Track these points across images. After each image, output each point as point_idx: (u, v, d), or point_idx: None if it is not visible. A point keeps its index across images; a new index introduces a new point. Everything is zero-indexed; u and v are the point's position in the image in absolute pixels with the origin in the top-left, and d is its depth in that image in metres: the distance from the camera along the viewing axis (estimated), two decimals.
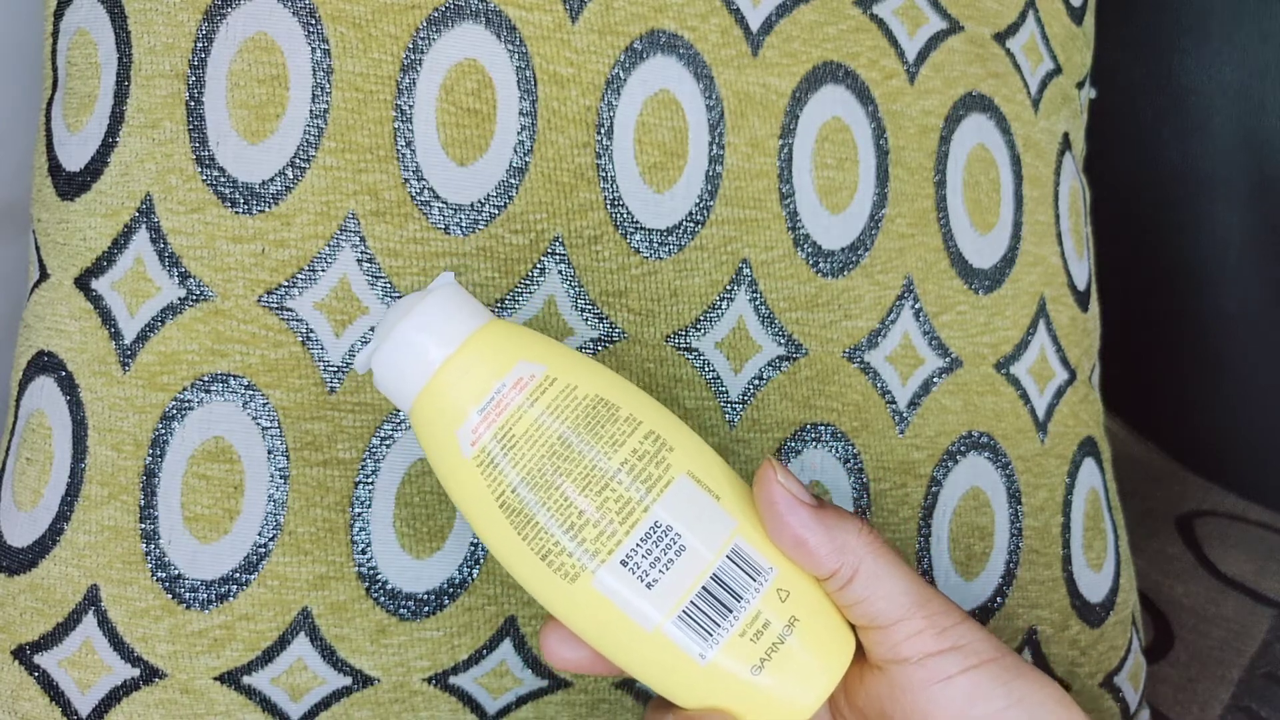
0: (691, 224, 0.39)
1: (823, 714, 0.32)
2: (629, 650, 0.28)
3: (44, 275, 0.37)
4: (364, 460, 0.36)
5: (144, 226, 0.36)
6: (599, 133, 0.38)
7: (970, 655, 0.28)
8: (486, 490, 0.28)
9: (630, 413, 0.28)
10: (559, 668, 0.31)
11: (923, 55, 0.43)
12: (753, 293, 0.40)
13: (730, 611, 0.27)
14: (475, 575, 0.37)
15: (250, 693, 0.35)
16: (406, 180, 0.36)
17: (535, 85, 0.38)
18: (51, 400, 0.36)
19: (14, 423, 0.38)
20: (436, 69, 0.37)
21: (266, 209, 0.36)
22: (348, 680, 0.36)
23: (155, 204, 0.36)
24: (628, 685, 0.39)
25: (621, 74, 0.38)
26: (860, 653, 0.30)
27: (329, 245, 0.36)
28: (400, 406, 0.29)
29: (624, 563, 0.27)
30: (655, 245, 0.39)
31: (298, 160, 0.36)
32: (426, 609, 0.37)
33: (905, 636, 0.28)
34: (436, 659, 0.37)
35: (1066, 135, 0.47)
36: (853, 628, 0.30)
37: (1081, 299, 0.46)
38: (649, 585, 0.27)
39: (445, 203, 0.37)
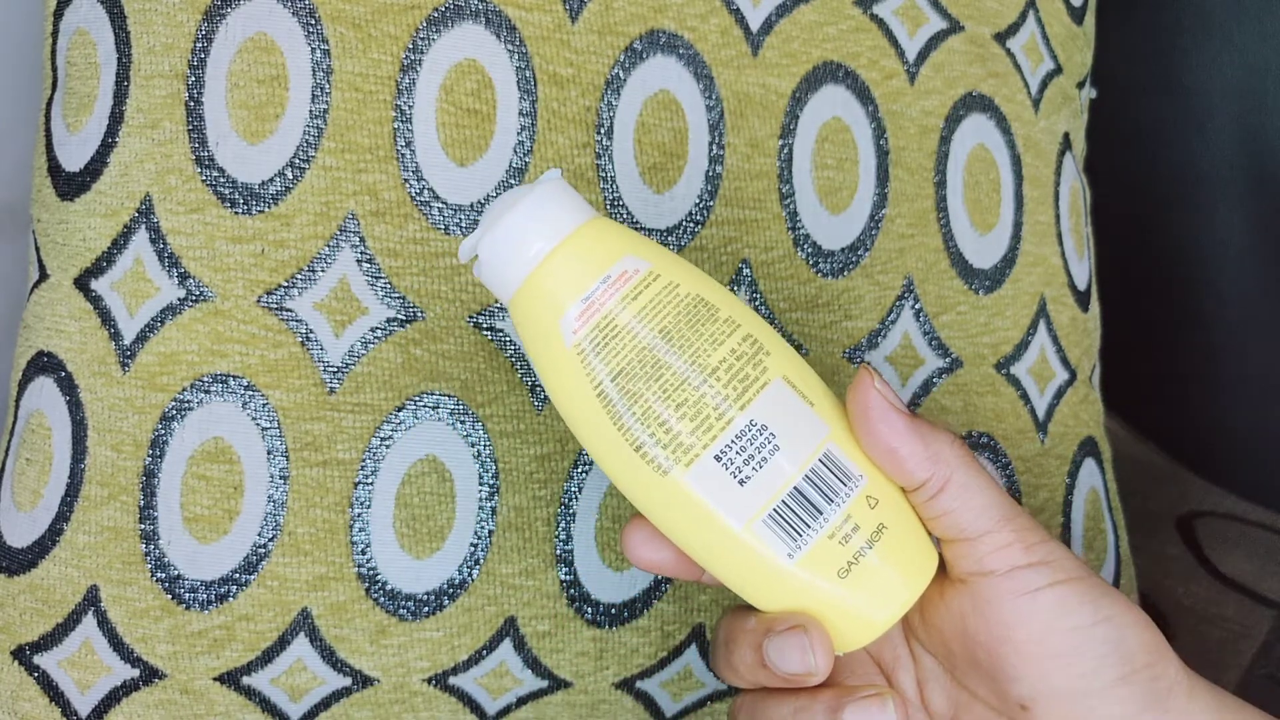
0: (691, 224, 0.39)
1: (895, 633, 0.32)
2: (716, 548, 0.28)
3: (43, 275, 0.37)
4: (364, 461, 0.36)
5: (143, 227, 0.36)
6: (599, 133, 0.38)
7: (1059, 570, 0.28)
8: (585, 380, 0.28)
9: (730, 315, 0.28)
10: (641, 567, 0.31)
11: (923, 55, 0.43)
12: (753, 293, 0.40)
13: (820, 513, 0.27)
14: (475, 575, 0.37)
15: (250, 693, 0.35)
16: (406, 180, 0.36)
17: (535, 85, 0.38)
18: (51, 401, 0.36)
19: (14, 423, 0.38)
20: (436, 69, 0.37)
21: (266, 209, 0.36)
22: (347, 681, 0.36)
23: (155, 204, 0.36)
24: (627, 686, 0.39)
25: (621, 74, 0.38)
26: (940, 570, 0.30)
27: (329, 246, 0.36)
28: (500, 296, 0.29)
29: (718, 458, 0.27)
30: None
31: (297, 160, 0.36)
32: (426, 609, 0.37)
33: (993, 549, 0.28)
34: (436, 659, 0.37)
35: (1067, 135, 0.47)
36: (936, 543, 0.29)
37: (1082, 299, 0.46)
38: (741, 482, 0.27)
39: (445, 203, 0.37)
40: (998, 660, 0.28)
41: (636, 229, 0.38)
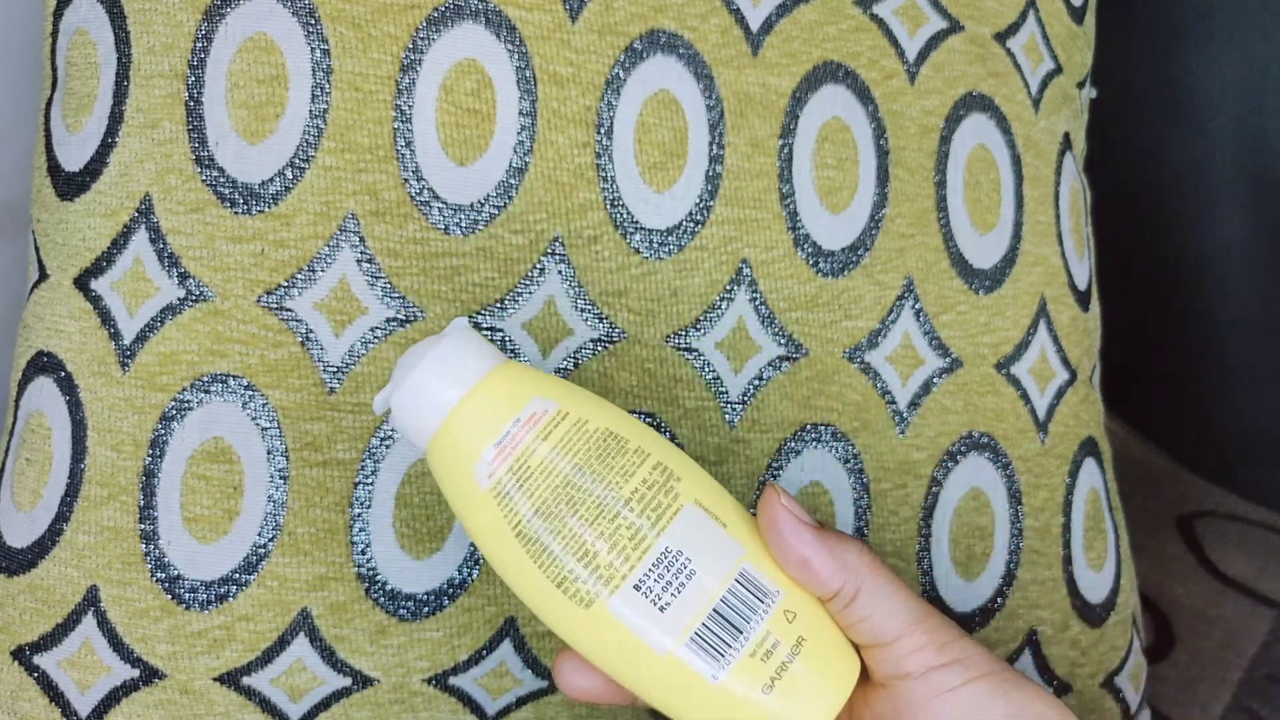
0: (691, 224, 0.39)
1: None
2: (643, 674, 0.29)
3: (43, 275, 0.37)
4: (363, 461, 0.36)
5: (143, 227, 0.36)
6: (599, 132, 0.38)
7: (971, 668, 0.29)
8: (503, 521, 0.29)
9: (639, 445, 0.29)
10: (574, 697, 0.32)
11: (923, 55, 0.43)
12: (753, 293, 0.40)
13: (740, 632, 0.28)
14: (475, 576, 0.37)
15: (250, 693, 0.35)
16: (406, 180, 0.36)
17: (535, 85, 0.38)
18: (51, 401, 0.36)
19: (13, 423, 0.37)
20: (436, 69, 0.37)
21: (266, 209, 0.36)
22: (347, 681, 0.36)
23: (154, 204, 0.35)
24: None
25: (621, 74, 0.38)
26: (863, 675, 0.30)
27: (328, 245, 0.36)
28: (418, 446, 0.30)
29: (637, 588, 0.28)
30: (655, 245, 0.39)
31: (297, 160, 0.36)
32: (426, 609, 0.36)
33: (907, 652, 0.29)
34: (436, 659, 0.37)
35: (1067, 135, 0.47)
36: (856, 649, 0.30)
37: (1082, 299, 0.46)
38: (661, 609, 0.28)
39: (445, 203, 0.37)
40: None
41: (637, 228, 0.38)
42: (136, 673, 0.35)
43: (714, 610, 0.28)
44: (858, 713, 0.31)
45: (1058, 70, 0.47)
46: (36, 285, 0.37)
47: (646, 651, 0.28)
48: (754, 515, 0.30)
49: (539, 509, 0.28)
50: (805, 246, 0.40)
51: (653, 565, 0.28)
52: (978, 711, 0.29)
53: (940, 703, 0.29)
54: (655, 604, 0.28)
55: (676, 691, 0.29)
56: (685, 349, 0.39)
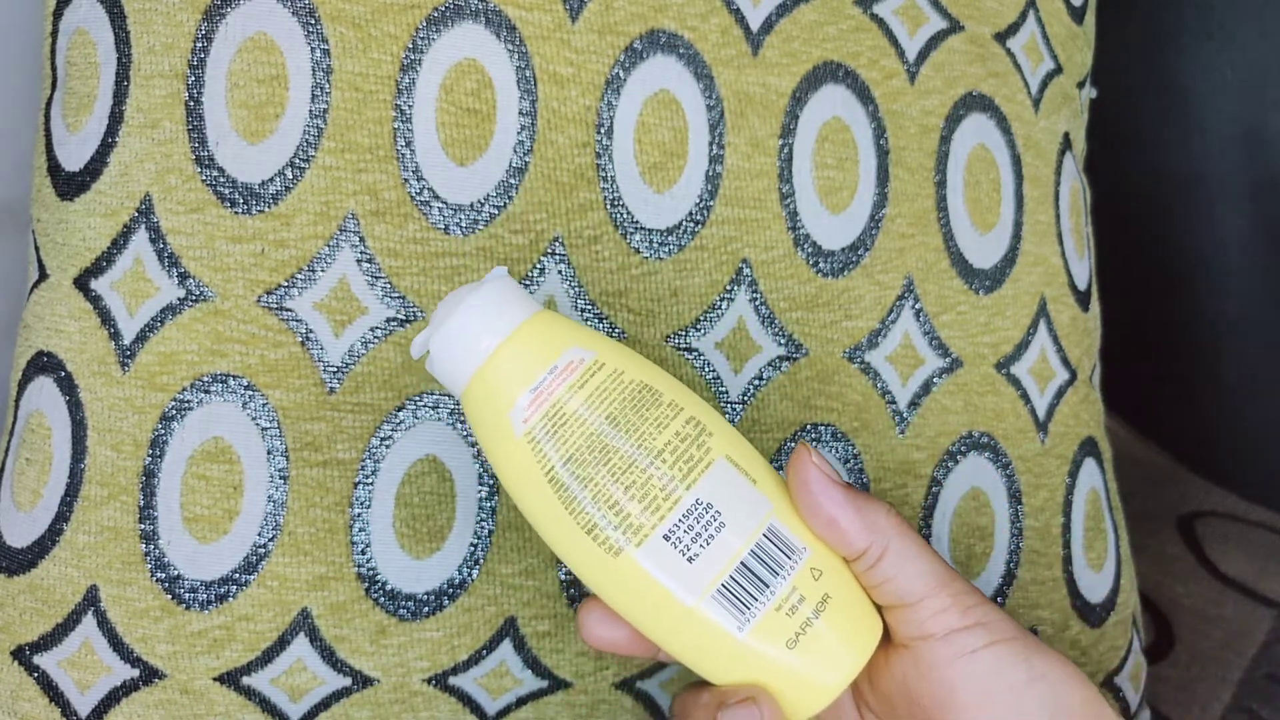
0: (691, 224, 0.39)
1: (845, 698, 0.33)
2: (668, 625, 0.29)
3: (43, 275, 0.37)
4: (363, 461, 0.36)
5: (143, 226, 0.36)
6: (599, 132, 0.38)
7: (994, 631, 0.29)
8: (536, 467, 0.29)
9: (673, 399, 0.30)
10: (597, 647, 0.32)
11: (923, 55, 0.43)
12: (753, 293, 0.40)
13: (767, 587, 0.28)
14: (475, 576, 0.37)
15: (250, 693, 0.35)
16: (406, 180, 0.36)
17: (535, 85, 0.38)
18: (51, 400, 0.36)
19: (13, 423, 0.37)
20: (436, 69, 0.37)
21: (266, 209, 0.36)
22: (347, 681, 0.36)
23: (154, 204, 0.35)
24: (627, 686, 0.39)
25: (621, 74, 0.38)
26: (884, 636, 0.31)
27: (328, 245, 0.36)
28: (453, 390, 0.30)
29: (666, 537, 0.28)
30: (655, 245, 0.39)
31: (297, 160, 0.36)
32: (426, 609, 0.36)
33: (931, 613, 0.29)
34: (436, 659, 0.37)
35: (1067, 135, 0.47)
36: (879, 610, 0.30)
37: (1082, 299, 0.46)
38: (690, 560, 0.28)
39: (445, 203, 0.37)
40: None
41: (637, 228, 0.38)
42: (136, 673, 0.35)
43: (741, 563, 0.28)
44: (877, 674, 0.31)
45: (1058, 70, 0.47)
46: (36, 285, 0.37)
47: (673, 602, 0.28)
48: (783, 476, 0.31)
49: (572, 457, 0.28)
50: (805, 246, 0.40)
51: (682, 517, 0.28)
52: (999, 674, 0.29)
53: (962, 664, 0.29)
54: (684, 555, 0.28)
55: (701, 644, 0.29)
56: (685, 349, 0.39)
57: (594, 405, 0.29)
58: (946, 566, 0.30)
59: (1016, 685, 0.29)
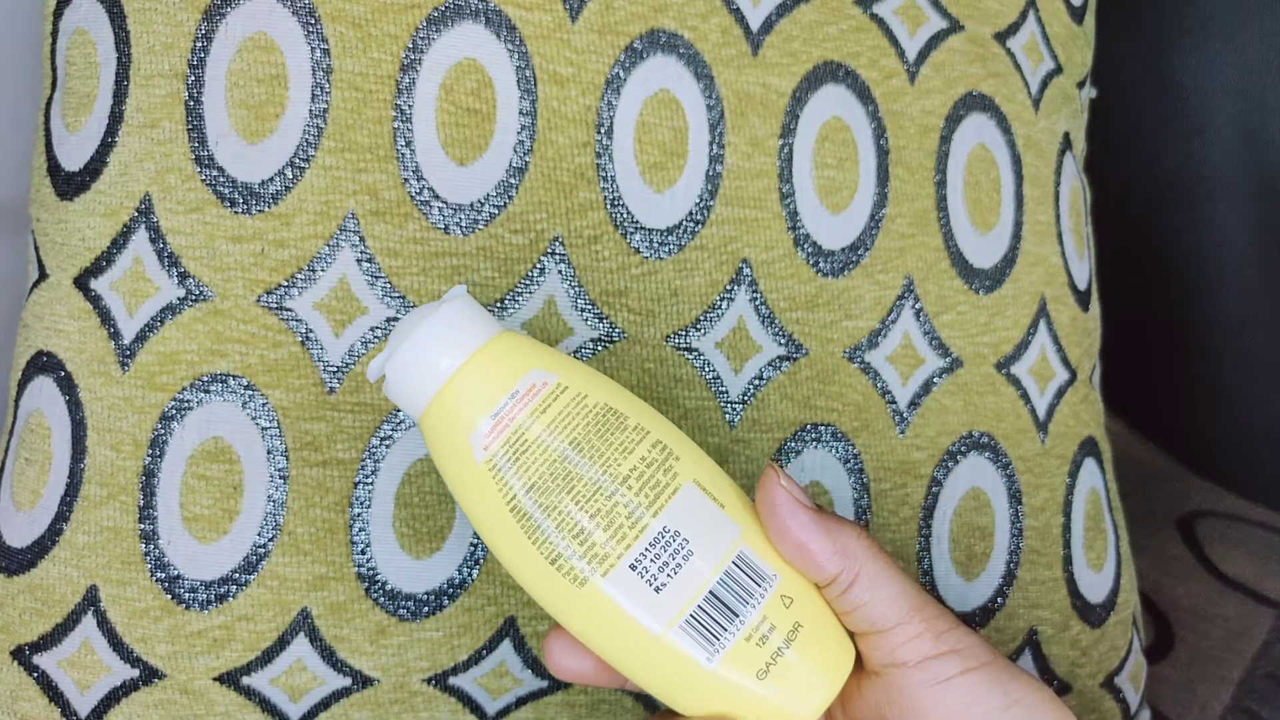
0: (691, 224, 0.39)
1: None
2: (635, 656, 0.28)
3: (43, 275, 0.37)
4: (363, 460, 0.36)
5: (143, 226, 0.35)
6: (599, 132, 0.38)
7: (968, 658, 0.29)
8: (497, 495, 0.28)
9: (638, 422, 0.29)
10: (563, 678, 0.31)
11: (923, 55, 0.43)
12: (753, 292, 0.40)
13: (736, 616, 0.28)
14: (475, 576, 0.37)
15: (250, 693, 0.35)
16: (406, 180, 0.36)
17: (535, 85, 0.38)
18: (50, 400, 0.36)
19: (13, 423, 0.37)
20: (436, 68, 0.37)
21: (266, 209, 0.36)
22: (347, 681, 0.36)
23: (154, 204, 0.35)
24: None
25: (621, 73, 0.38)
26: (856, 663, 0.30)
27: (328, 245, 0.36)
28: (411, 414, 0.29)
29: (633, 567, 0.27)
30: (655, 245, 0.39)
31: (297, 160, 0.36)
32: (426, 609, 0.36)
33: (904, 640, 0.29)
34: (436, 659, 0.37)
35: (1067, 135, 0.47)
36: (851, 636, 0.30)
37: (1082, 299, 0.46)
38: (657, 590, 0.27)
39: (445, 202, 0.37)
40: None
41: (637, 228, 0.38)
42: (136, 673, 0.35)
43: (710, 593, 0.27)
44: (850, 701, 0.31)
45: (1058, 70, 0.47)
46: (36, 285, 0.37)
47: (640, 633, 0.27)
48: (753, 499, 0.30)
49: (534, 484, 0.28)
50: (805, 246, 0.40)
51: (649, 545, 0.27)
52: (973, 702, 0.28)
53: (935, 692, 0.28)
54: (650, 584, 0.27)
55: (669, 675, 0.28)
56: (685, 349, 0.39)
57: (557, 431, 0.28)
58: (920, 591, 0.29)
59: (991, 711, 0.28)
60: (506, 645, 0.37)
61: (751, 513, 0.29)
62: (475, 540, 0.37)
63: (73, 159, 0.37)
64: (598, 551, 0.27)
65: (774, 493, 0.29)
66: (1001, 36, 0.45)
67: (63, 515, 0.35)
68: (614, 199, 0.38)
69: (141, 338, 0.35)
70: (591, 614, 0.28)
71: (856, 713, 0.31)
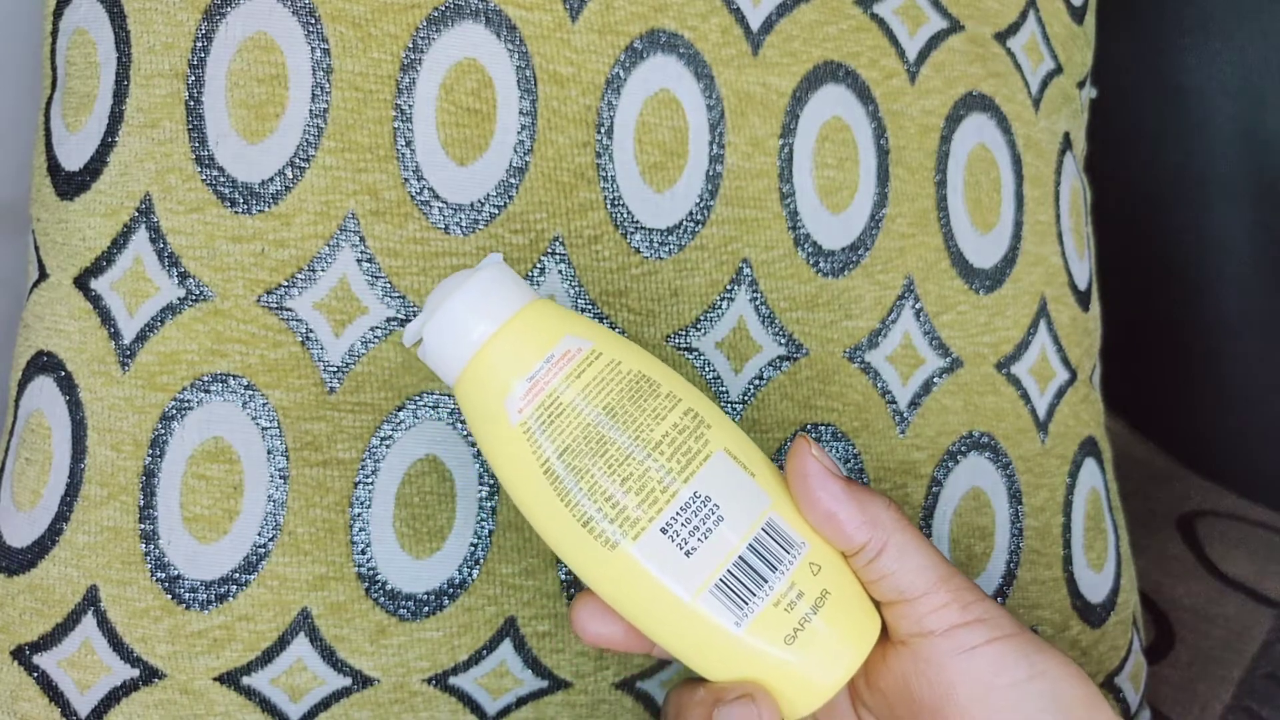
0: (692, 224, 0.39)
1: (841, 697, 0.33)
2: (664, 620, 0.28)
3: (43, 275, 0.37)
4: (364, 460, 0.36)
5: (143, 226, 0.35)
6: (599, 132, 0.38)
7: (994, 628, 0.29)
8: (531, 459, 0.28)
9: (670, 389, 0.29)
10: (590, 643, 0.32)
11: (923, 55, 0.43)
12: (753, 292, 0.40)
13: (765, 582, 0.28)
14: (475, 576, 0.37)
15: (250, 693, 0.35)
16: (406, 180, 0.36)
17: (535, 85, 0.38)
18: (51, 400, 0.36)
19: (13, 423, 0.37)
20: (436, 68, 0.37)
21: (266, 209, 0.36)
22: (347, 681, 0.36)
23: (154, 204, 0.35)
24: (627, 686, 0.39)
25: (621, 73, 0.38)
26: (881, 633, 0.30)
27: (328, 245, 0.36)
28: (446, 379, 0.30)
29: (664, 531, 0.28)
30: (655, 245, 0.39)
31: (297, 160, 0.36)
32: (426, 609, 0.36)
33: (931, 609, 0.29)
34: (436, 659, 0.37)
35: (1067, 135, 0.47)
36: (876, 605, 0.30)
37: (1082, 299, 0.46)
38: (688, 554, 0.28)
39: (445, 202, 0.37)
40: (941, 719, 0.29)
41: (637, 228, 0.38)
42: (136, 673, 0.35)
43: (739, 558, 0.28)
44: (874, 671, 0.31)
45: (1058, 70, 0.47)
46: (36, 285, 0.37)
47: (670, 597, 0.28)
48: (782, 470, 0.30)
49: (568, 448, 0.28)
50: (805, 246, 0.40)
51: (680, 510, 0.28)
52: (999, 671, 0.28)
53: (962, 661, 0.28)
54: (681, 549, 0.28)
55: (698, 639, 0.28)
56: (685, 349, 0.39)
57: (591, 396, 0.28)
58: (946, 562, 0.30)
59: (1017, 682, 0.28)
60: (507, 645, 0.37)
61: (781, 482, 0.30)
62: (475, 540, 0.37)
63: (73, 159, 0.37)
64: (629, 515, 0.28)
65: (805, 462, 0.29)
66: (1002, 36, 0.45)
67: (63, 515, 0.35)
68: (614, 199, 0.38)
69: (142, 338, 0.35)
70: (622, 578, 0.28)
71: (881, 683, 0.31)
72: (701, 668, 0.29)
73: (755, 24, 0.40)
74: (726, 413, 0.39)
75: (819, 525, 0.29)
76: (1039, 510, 0.43)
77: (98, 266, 0.36)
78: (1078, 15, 0.48)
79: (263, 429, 0.35)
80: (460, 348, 0.29)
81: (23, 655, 0.35)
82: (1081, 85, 0.49)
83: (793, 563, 0.28)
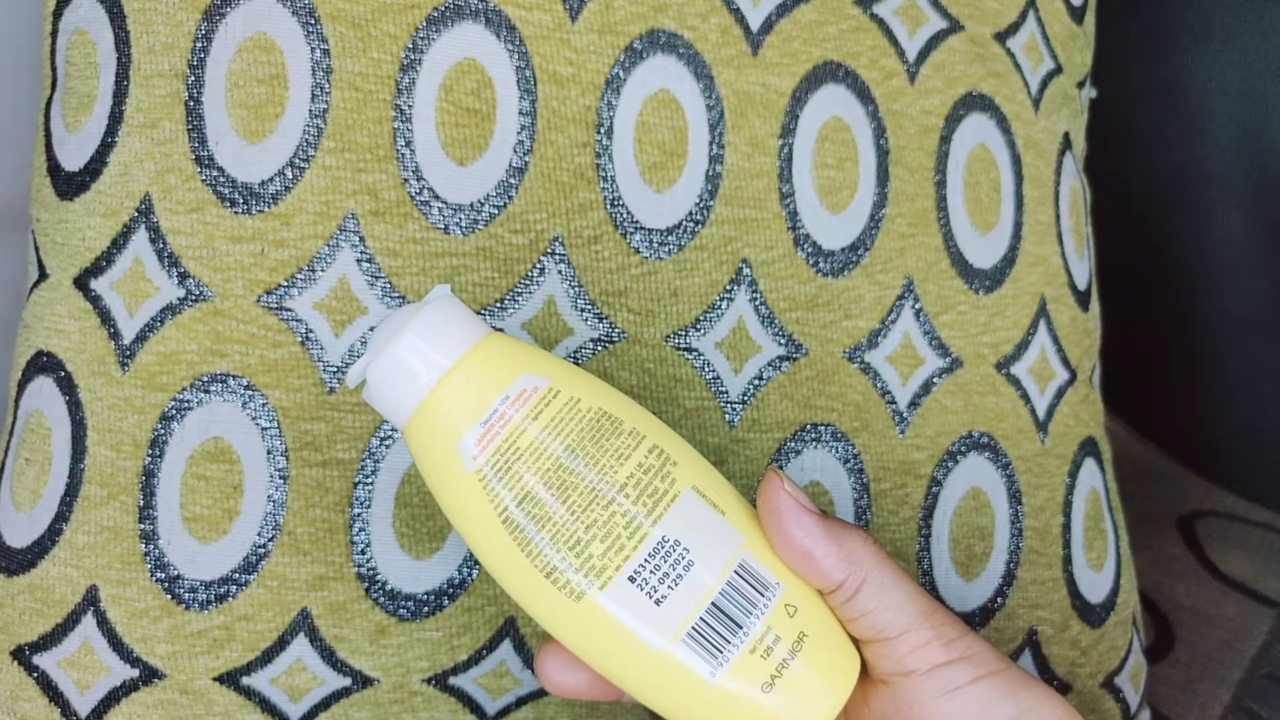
0: (691, 224, 0.39)
1: None
2: (635, 671, 0.27)
3: (43, 275, 0.37)
4: (363, 460, 0.36)
5: (143, 226, 0.36)
6: (599, 132, 0.38)
7: (978, 665, 0.28)
8: (489, 507, 0.27)
9: (634, 426, 0.28)
10: (557, 693, 0.31)
11: (923, 55, 0.43)
12: (753, 292, 0.40)
13: (740, 628, 0.27)
14: (475, 576, 0.37)
15: (249, 693, 0.35)
16: (406, 180, 0.36)
17: (535, 85, 0.38)
18: (50, 400, 0.36)
19: (13, 423, 0.37)
20: (436, 69, 0.37)
21: (266, 209, 0.36)
22: (347, 681, 0.36)
23: (154, 204, 0.35)
24: None
25: (621, 73, 0.38)
26: (862, 672, 0.29)
27: (328, 245, 0.36)
28: (395, 423, 0.28)
29: (632, 579, 0.26)
30: (655, 245, 0.39)
31: (297, 160, 0.36)
32: (426, 609, 0.36)
33: (912, 648, 0.28)
34: (436, 660, 0.37)
35: (1067, 135, 0.47)
36: (856, 644, 0.29)
37: (1082, 299, 0.46)
38: (657, 602, 0.26)
39: (445, 202, 0.37)
40: None
41: (637, 228, 0.38)
42: (136, 673, 0.35)
43: (712, 604, 0.27)
44: (855, 712, 0.30)
45: (1058, 70, 0.47)
46: (36, 285, 0.37)
47: (640, 647, 0.27)
48: (754, 504, 0.29)
49: (528, 494, 0.26)
50: (805, 246, 0.40)
51: (648, 556, 0.26)
52: (984, 711, 0.27)
53: (945, 701, 0.28)
54: (650, 597, 0.26)
55: (671, 690, 0.27)
56: (685, 349, 0.39)
57: (550, 438, 0.27)
58: (928, 597, 0.28)
59: None
60: (506, 645, 0.37)
61: (752, 518, 0.29)
62: None
63: (73, 159, 0.37)
64: (595, 564, 0.26)
65: (777, 498, 0.28)
66: (1001, 36, 0.45)
67: (63, 515, 0.35)
68: (614, 199, 0.38)
69: (141, 338, 0.35)
70: (589, 629, 0.27)
71: None
72: (676, 718, 0.28)
73: (755, 24, 0.40)
74: (726, 413, 0.39)
75: (794, 563, 0.28)
76: (1039, 510, 0.43)
77: (97, 267, 0.36)
78: (1078, 15, 0.48)
79: (262, 429, 0.35)
80: (408, 391, 0.27)
81: (22, 655, 0.35)
82: (1081, 85, 0.49)
83: (768, 605, 0.27)
